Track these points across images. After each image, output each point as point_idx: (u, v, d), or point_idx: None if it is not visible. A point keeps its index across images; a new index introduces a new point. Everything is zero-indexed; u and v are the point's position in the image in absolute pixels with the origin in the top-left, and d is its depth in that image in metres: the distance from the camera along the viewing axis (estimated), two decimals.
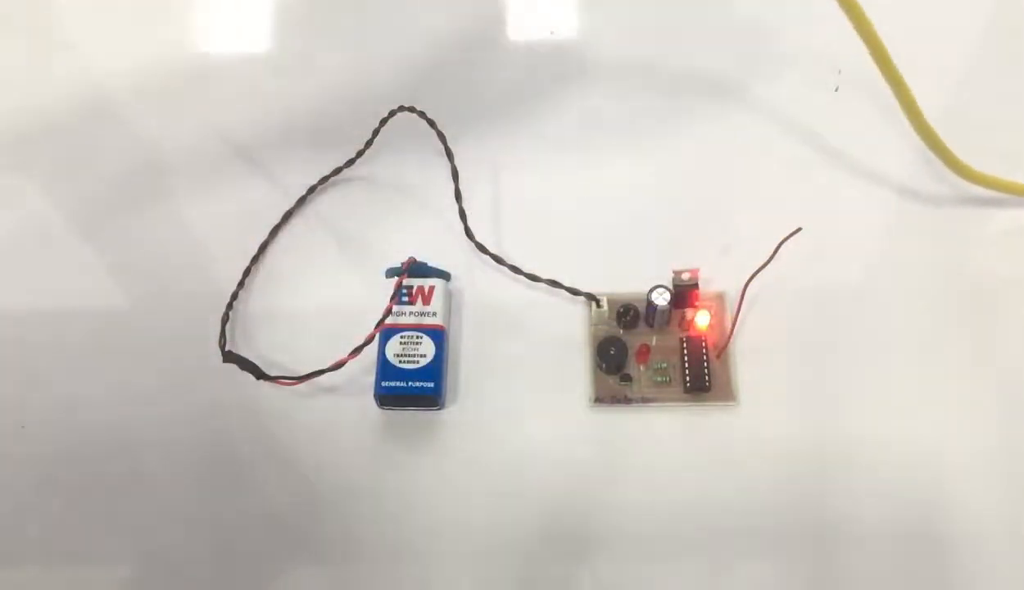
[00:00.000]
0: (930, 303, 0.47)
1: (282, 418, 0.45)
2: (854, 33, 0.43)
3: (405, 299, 0.45)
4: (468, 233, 0.47)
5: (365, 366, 0.44)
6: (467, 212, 0.47)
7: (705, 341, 0.45)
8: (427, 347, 0.44)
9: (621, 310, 0.46)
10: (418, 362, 0.44)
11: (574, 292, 0.46)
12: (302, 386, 0.43)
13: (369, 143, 0.50)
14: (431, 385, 0.43)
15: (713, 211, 0.49)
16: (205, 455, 0.44)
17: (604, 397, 0.45)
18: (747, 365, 0.45)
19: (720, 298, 0.46)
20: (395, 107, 0.50)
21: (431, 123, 0.49)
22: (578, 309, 0.47)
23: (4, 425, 0.45)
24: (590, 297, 0.46)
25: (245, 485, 0.43)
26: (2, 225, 0.51)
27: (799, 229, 0.45)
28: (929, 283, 0.47)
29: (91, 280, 0.49)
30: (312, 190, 0.50)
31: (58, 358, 0.47)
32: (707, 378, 0.44)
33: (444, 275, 0.47)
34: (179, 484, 0.44)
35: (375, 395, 0.44)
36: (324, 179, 0.50)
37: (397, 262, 0.46)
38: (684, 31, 0.56)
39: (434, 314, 0.45)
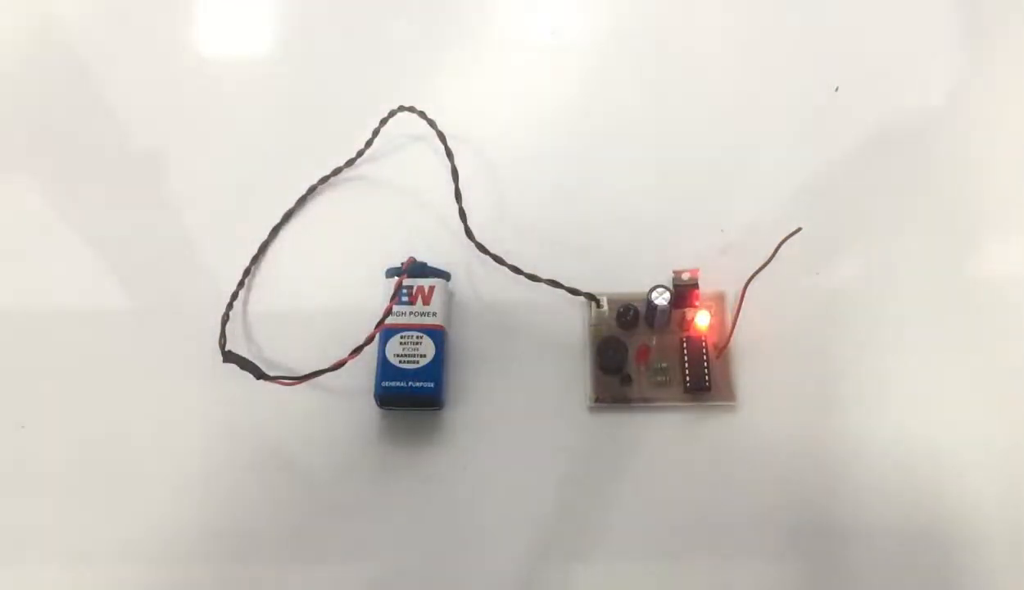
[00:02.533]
0: (930, 302, 0.46)
1: (282, 418, 0.45)
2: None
3: (405, 299, 0.45)
4: (468, 233, 0.47)
5: (365, 366, 0.44)
6: (467, 212, 0.47)
7: (705, 341, 0.45)
8: (427, 347, 0.44)
9: (621, 310, 0.46)
10: (418, 362, 0.44)
11: (574, 292, 0.46)
12: (302, 386, 0.43)
13: (369, 143, 0.50)
14: (431, 385, 0.43)
15: (713, 211, 0.49)
16: (204, 455, 0.44)
17: (604, 397, 0.45)
18: (747, 365, 0.45)
19: (720, 298, 0.46)
20: (395, 107, 0.50)
21: (431, 123, 0.49)
22: (578, 309, 0.47)
23: (4, 425, 0.45)
24: (590, 297, 0.46)
25: (244, 485, 0.43)
26: (2, 225, 0.51)
27: (799, 229, 0.45)
28: (929, 282, 0.47)
29: (91, 280, 0.49)
30: (312, 190, 0.50)
31: (58, 358, 0.47)
32: (707, 378, 0.44)
33: (444, 275, 0.47)
34: (178, 484, 0.44)
35: (375, 395, 0.44)
36: (324, 179, 0.50)
37: (397, 262, 0.46)
38: (685, 31, 0.56)
39: (434, 314, 0.45)
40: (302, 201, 0.50)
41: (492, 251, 0.46)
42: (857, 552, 0.41)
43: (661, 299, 0.44)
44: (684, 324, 0.46)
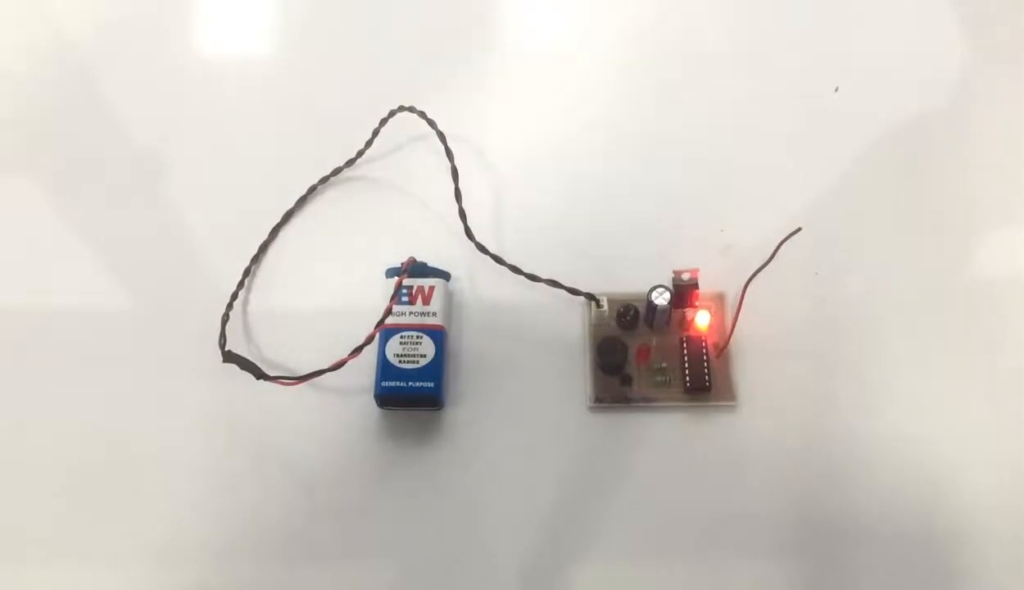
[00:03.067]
0: (930, 302, 0.46)
1: (282, 418, 0.45)
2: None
3: (405, 299, 0.45)
4: (468, 233, 0.47)
5: (365, 366, 0.44)
6: (467, 212, 0.47)
7: (705, 341, 0.45)
8: (427, 347, 0.44)
9: (621, 310, 0.46)
10: (418, 362, 0.44)
11: (574, 292, 0.46)
12: (302, 386, 0.43)
13: (369, 143, 0.50)
14: (431, 385, 0.43)
15: (713, 211, 0.49)
16: (204, 455, 0.44)
17: (604, 397, 0.45)
18: (747, 365, 0.45)
19: (720, 298, 0.46)
20: (395, 107, 0.50)
21: (431, 123, 0.49)
22: (578, 309, 0.47)
23: (4, 425, 0.45)
24: (590, 297, 0.46)
25: (244, 485, 0.43)
26: (3, 226, 0.51)
27: (799, 229, 0.45)
28: (929, 282, 0.47)
29: (91, 280, 0.49)
30: (312, 190, 0.50)
31: (58, 358, 0.47)
32: (707, 378, 0.44)
33: (444, 275, 0.46)
34: (178, 484, 0.44)
35: (375, 395, 0.44)
36: (324, 179, 0.50)
37: (397, 262, 0.46)
38: (684, 33, 0.56)
39: (434, 314, 0.45)
40: (302, 201, 0.50)
41: (492, 251, 0.46)
42: (857, 551, 0.41)
43: (661, 299, 0.44)
44: (684, 324, 0.46)
